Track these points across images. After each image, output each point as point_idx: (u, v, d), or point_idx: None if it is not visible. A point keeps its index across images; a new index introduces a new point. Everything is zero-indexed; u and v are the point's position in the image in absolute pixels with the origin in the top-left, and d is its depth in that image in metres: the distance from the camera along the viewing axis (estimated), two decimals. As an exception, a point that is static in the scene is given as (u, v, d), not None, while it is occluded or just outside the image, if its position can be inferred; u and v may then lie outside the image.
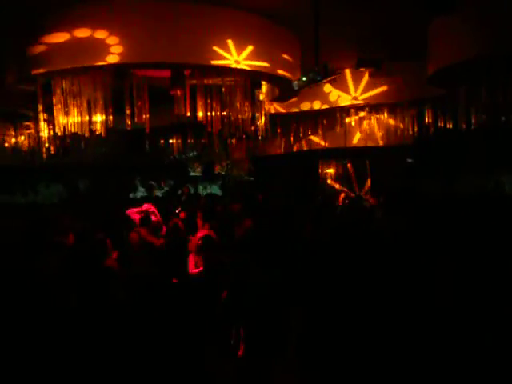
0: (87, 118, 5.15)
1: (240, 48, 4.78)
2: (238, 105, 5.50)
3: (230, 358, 4.03)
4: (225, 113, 5.69)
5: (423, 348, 3.53)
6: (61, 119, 5.11)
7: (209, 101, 5.50)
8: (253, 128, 6.56)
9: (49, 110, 5.36)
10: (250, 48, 4.86)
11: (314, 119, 8.89)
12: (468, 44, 4.77)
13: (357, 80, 7.44)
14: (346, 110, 8.13)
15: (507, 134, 8.35)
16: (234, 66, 4.76)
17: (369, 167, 11.57)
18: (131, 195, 14.96)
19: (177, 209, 8.24)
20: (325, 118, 8.71)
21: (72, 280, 3.85)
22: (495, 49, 4.58)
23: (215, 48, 4.65)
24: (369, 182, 11.57)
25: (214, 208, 7.92)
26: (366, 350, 3.66)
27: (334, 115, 8.42)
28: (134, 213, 6.99)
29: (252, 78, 5.38)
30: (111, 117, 5.23)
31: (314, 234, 5.77)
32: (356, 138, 10.15)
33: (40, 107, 5.37)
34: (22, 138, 8.65)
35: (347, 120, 8.82)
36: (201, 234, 5.67)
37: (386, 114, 8.30)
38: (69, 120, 5.12)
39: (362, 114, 8.35)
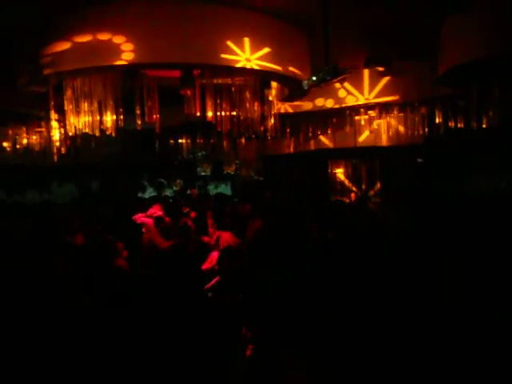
0: (98, 117, 5.19)
1: (251, 47, 4.78)
2: (247, 105, 5.50)
3: (239, 358, 4.03)
4: (234, 113, 5.70)
5: (433, 348, 3.51)
6: (72, 119, 5.15)
7: (218, 101, 5.51)
8: (262, 128, 6.56)
9: (60, 111, 5.42)
10: (260, 47, 4.85)
11: (323, 119, 8.88)
12: (479, 44, 4.73)
13: (367, 80, 7.42)
14: (355, 110, 8.11)
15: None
16: (244, 64, 4.75)
17: (379, 167, 11.53)
18: (140, 195, 15.01)
19: (185, 209, 8.27)
20: (334, 117, 8.69)
21: (83, 280, 3.88)
22: (506, 48, 4.54)
23: (227, 45, 4.65)
24: (378, 183, 11.55)
25: (223, 208, 7.93)
26: (376, 349, 3.65)
27: (344, 115, 8.41)
28: (140, 217, 7.02)
29: (262, 78, 5.38)
30: (122, 117, 5.27)
31: (320, 234, 5.77)
32: (366, 138, 10.13)
33: (51, 108, 5.42)
34: (34, 137, 8.73)
35: (357, 119, 8.79)
36: (222, 235, 5.74)
37: (396, 114, 8.27)
38: (80, 120, 5.16)
39: (371, 113, 8.31)
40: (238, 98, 5.50)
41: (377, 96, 7.47)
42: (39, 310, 3.55)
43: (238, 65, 4.72)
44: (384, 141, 9.96)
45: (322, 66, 5.12)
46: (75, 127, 5.21)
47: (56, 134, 6.98)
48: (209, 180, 16.11)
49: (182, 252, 4.86)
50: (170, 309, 4.12)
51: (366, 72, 7.11)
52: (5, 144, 8.82)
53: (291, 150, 11.79)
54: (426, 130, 8.31)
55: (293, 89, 5.89)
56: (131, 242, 5.71)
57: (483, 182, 10.47)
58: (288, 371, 3.85)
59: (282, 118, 7.55)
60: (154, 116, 5.19)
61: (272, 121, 6.38)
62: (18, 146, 8.86)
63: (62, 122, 5.68)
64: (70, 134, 5.35)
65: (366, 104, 7.65)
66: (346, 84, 7.40)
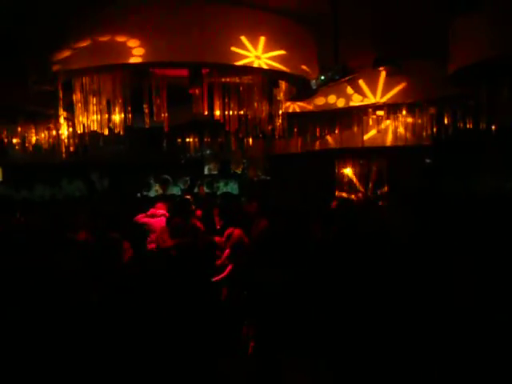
0: (106, 116, 5.21)
1: (260, 45, 4.76)
2: (255, 104, 5.50)
3: (240, 356, 4.04)
4: (242, 112, 5.70)
5: (439, 350, 3.50)
6: (80, 118, 5.18)
7: (226, 100, 5.51)
8: (270, 127, 6.56)
9: (68, 109, 5.45)
10: (270, 45, 4.84)
11: (331, 119, 8.86)
12: (488, 43, 4.70)
13: (375, 79, 7.38)
14: (363, 110, 8.08)
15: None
16: (256, 63, 4.73)
17: (386, 167, 11.49)
18: (145, 193, 15.04)
19: (191, 207, 8.27)
20: (342, 117, 8.67)
21: (91, 277, 3.90)
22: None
23: (235, 45, 4.65)
24: (386, 183, 11.50)
25: (229, 206, 7.94)
26: (380, 349, 3.64)
27: (352, 114, 8.38)
28: (142, 218, 7.01)
29: (270, 77, 5.37)
30: (130, 115, 5.29)
31: (323, 234, 5.76)
32: (373, 138, 10.09)
33: (60, 106, 5.45)
34: (43, 135, 8.79)
35: (365, 119, 8.76)
36: (234, 231, 5.84)
37: (404, 114, 8.23)
38: (88, 118, 5.18)
39: (379, 113, 8.28)
40: (246, 97, 5.50)
41: (385, 96, 7.43)
42: (47, 308, 3.58)
43: (246, 61, 4.70)
44: (392, 141, 9.92)
45: (331, 65, 5.11)
46: (84, 125, 5.24)
47: (65, 132, 7.03)
48: (216, 179, 16.12)
49: (187, 251, 4.88)
50: (176, 306, 4.13)
51: (376, 72, 7.07)
52: (14, 141, 8.87)
53: (298, 149, 11.77)
54: (435, 130, 8.26)
55: (301, 88, 5.87)
56: (133, 240, 5.74)
57: (491, 182, 10.40)
58: (289, 371, 3.86)
59: (290, 117, 7.54)
60: (163, 114, 5.20)
61: (280, 120, 6.37)
62: (26, 144, 8.92)
63: (71, 120, 5.72)
64: (79, 132, 5.38)
65: (374, 104, 7.62)
66: (356, 83, 7.37)
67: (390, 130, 9.25)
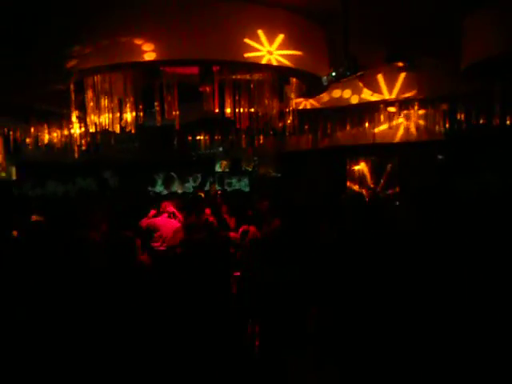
0: (118, 114, 5.25)
1: (271, 41, 4.75)
2: (266, 101, 5.49)
3: (245, 353, 4.04)
4: (253, 109, 5.69)
5: (447, 350, 3.47)
6: (92, 116, 5.22)
7: (237, 97, 5.51)
8: (280, 124, 6.55)
9: (80, 108, 5.49)
10: (281, 38, 4.82)
11: (342, 115, 8.81)
12: (503, 38, 4.63)
13: (387, 75, 7.33)
14: (374, 106, 8.02)
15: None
16: (268, 58, 4.72)
17: (397, 164, 11.42)
18: (158, 190, 15.11)
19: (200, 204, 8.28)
20: (353, 113, 8.62)
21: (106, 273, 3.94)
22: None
23: (248, 39, 4.63)
24: (397, 180, 11.44)
25: (241, 204, 7.96)
26: (385, 348, 3.62)
27: (363, 111, 8.33)
28: (145, 221, 6.99)
29: (281, 74, 5.35)
30: (141, 114, 5.32)
31: (329, 233, 5.74)
32: (385, 134, 10.03)
33: (72, 105, 5.49)
34: (55, 134, 8.87)
35: (376, 116, 8.70)
36: (250, 228, 5.89)
37: (416, 110, 8.16)
38: (100, 117, 5.22)
39: (391, 109, 8.22)
40: (257, 94, 5.49)
41: (397, 92, 7.37)
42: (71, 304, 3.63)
43: (257, 54, 4.68)
44: (403, 137, 9.86)
45: (342, 62, 5.08)
46: (95, 124, 5.28)
47: (77, 131, 7.09)
48: (226, 177, 16.15)
49: (202, 247, 4.89)
50: (190, 304, 4.15)
51: (388, 68, 7.02)
52: (27, 141, 8.98)
53: (309, 146, 11.74)
54: (447, 126, 8.19)
55: (312, 85, 5.85)
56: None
57: (504, 179, 10.26)
58: (294, 368, 3.85)
59: (301, 114, 7.52)
60: (174, 112, 5.22)
61: (290, 117, 6.36)
62: (39, 143, 9.02)
63: (83, 119, 5.76)
64: (91, 130, 5.42)
65: (386, 100, 7.56)
66: (368, 79, 7.32)
67: (401, 126, 9.19)
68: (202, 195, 11.47)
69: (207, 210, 7.62)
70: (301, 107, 7.73)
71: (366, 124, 8.98)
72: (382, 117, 8.59)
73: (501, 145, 9.95)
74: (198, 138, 10.87)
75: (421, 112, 8.36)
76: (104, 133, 6.23)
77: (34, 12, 4.63)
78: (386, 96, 7.41)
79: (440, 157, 11.57)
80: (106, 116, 5.17)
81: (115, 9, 4.58)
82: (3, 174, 11.75)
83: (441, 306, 3.78)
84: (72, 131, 8.04)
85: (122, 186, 15.11)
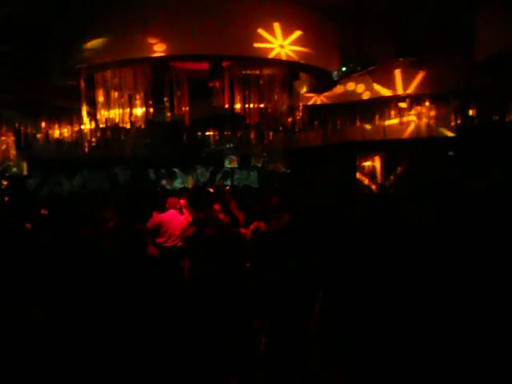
0: (128, 110, 5.26)
1: (284, 35, 4.72)
2: (275, 97, 5.46)
3: (252, 351, 4.04)
4: (262, 105, 5.67)
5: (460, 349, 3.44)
6: (103, 112, 5.23)
7: (247, 93, 5.49)
8: (290, 120, 6.52)
9: (91, 104, 5.51)
10: (295, 34, 4.79)
11: (352, 111, 8.76)
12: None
13: (397, 70, 7.26)
14: (385, 101, 7.95)
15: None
16: (279, 51, 4.70)
17: (408, 160, 11.35)
18: (168, 186, 15.16)
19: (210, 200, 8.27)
20: (363, 109, 8.56)
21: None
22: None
23: (259, 34, 4.61)
24: (407, 175, 11.37)
25: (249, 200, 7.96)
26: (395, 346, 3.60)
27: (373, 106, 8.27)
28: (150, 223, 6.92)
29: (292, 69, 5.32)
30: (151, 109, 5.32)
31: (336, 227, 5.71)
32: (395, 130, 9.95)
33: (83, 100, 5.51)
34: (65, 130, 8.92)
35: (386, 111, 8.64)
36: (260, 225, 5.90)
37: (427, 106, 8.08)
38: (110, 113, 5.24)
39: (402, 105, 8.14)
40: (267, 90, 5.46)
41: (408, 88, 7.29)
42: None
43: (268, 45, 4.66)
44: (414, 133, 9.78)
45: (353, 57, 5.04)
46: (106, 119, 5.30)
47: (87, 126, 7.11)
48: (236, 172, 16.16)
49: (213, 243, 4.91)
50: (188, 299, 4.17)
51: (399, 63, 6.95)
52: (38, 136, 9.04)
53: (319, 142, 11.69)
54: (459, 122, 8.11)
55: (323, 80, 5.82)
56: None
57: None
58: (301, 368, 3.84)
59: (310, 110, 7.49)
60: (184, 108, 5.22)
61: (300, 113, 6.33)
62: (50, 139, 9.07)
63: (93, 114, 5.79)
64: (101, 126, 5.44)
65: (397, 96, 7.49)
66: (378, 74, 7.25)
67: (412, 122, 9.11)
68: (212, 191, 11.47)
69: (217, 206, 7.61)
70: (310, 103, 7.68)
71: (377, 120, 8.92)
72: (392, 112, 8.52)
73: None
74: (208, 133, 10.88)
75: (432, 108, 8.28)
76: (114, 128, 6.25)
77: (47, 8, 4.66)
78: (399, 91, 7.34)
79: (450, 153, 11.47)
80: (116, 111, 5.19)
81: (127, 4, 4.59)
82: (15, 170, 11.85)
83: (451, 304, 3.75)
84: (82, 127, 8.07)
85: (131, 181, 15.18)
